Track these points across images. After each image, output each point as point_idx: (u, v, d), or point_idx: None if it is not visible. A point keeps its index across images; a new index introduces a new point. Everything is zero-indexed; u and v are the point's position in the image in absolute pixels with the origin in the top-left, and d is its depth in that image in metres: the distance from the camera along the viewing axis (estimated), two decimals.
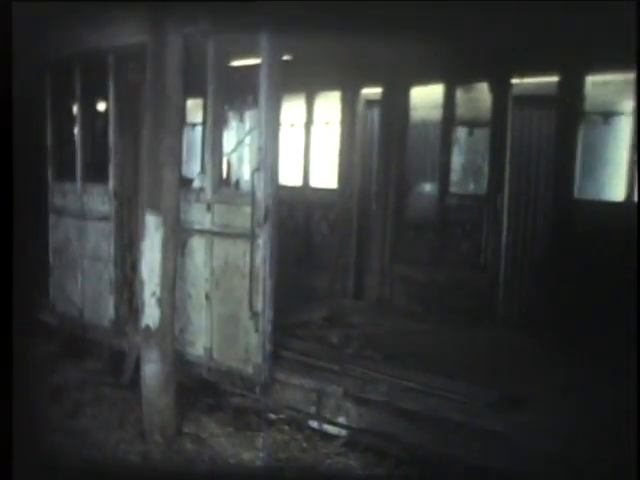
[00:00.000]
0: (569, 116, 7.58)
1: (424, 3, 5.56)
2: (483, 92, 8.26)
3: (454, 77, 8.43)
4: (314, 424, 5.95)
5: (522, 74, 7.85)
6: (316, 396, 5.98)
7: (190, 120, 10.94)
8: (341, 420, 5.79)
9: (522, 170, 8.11)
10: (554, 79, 7.63)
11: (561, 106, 7.67)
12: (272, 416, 6.20)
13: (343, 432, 5.75)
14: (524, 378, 6.03)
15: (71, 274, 8.56)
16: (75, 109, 8.81)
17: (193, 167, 10.45)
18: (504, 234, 8.14)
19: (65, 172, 9.27)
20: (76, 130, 8.63)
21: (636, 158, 7.08)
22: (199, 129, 11.11)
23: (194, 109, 10.72)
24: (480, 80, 8.29)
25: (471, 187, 8.81)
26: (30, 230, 9.41)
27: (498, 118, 8.14)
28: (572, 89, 7.49)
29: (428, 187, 9.05)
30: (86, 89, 8.33)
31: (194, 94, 8.04)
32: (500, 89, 8.07)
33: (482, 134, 8.45)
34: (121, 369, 7.48)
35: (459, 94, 8.53)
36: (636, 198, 7.16)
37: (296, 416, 6.09)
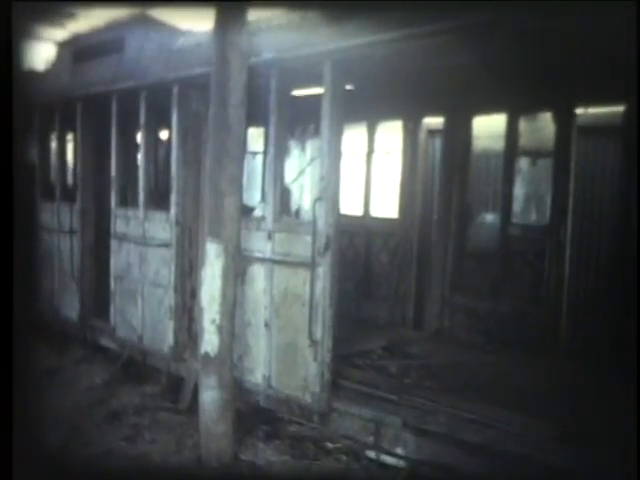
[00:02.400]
0: (635, 146, 7.56)
1: (488, 32, 5.65)
2: (546, 122, 8.28)
3: (517, 107, 8.44)
4: (372, 454, 5.99)
5: (587, 104, 7.87)
6: (374, 426, 6.02)
7: (251, 149, 11.14)
8: (399, 451, 5.82)
9: (586, 201, 8.09)
10: (619, 109, 7.63)
11: (627, 136, 7.65)
12: (329, 445, 6.27)
13: (401, 463, 5.79)
14: (586, 411, 6.00)
15: (132, 300, 8.77)
16: (139, 138, 9.11)
17: (253, 195, 10.70)
18: (567, 265, 8.12)
19: (128, 199, 9.61)
20: (139, 158, 8.91)
21: None
22: (260, 158, 11.33)
23: (255, 138, 10.93)
24: (544, 110, 8.32)
25: (533, 217, 8.82)
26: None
27: (562, 148, 8.10)
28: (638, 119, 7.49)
29: (490, 217, 9.06)
30: (150, 118, 8.57)
31: (255, 123, 8.24)
32: (564, 119, 8.07)
33: (545, 164, 8.46)
34: (179, 395, 7.63)
35: (522, 124, 8.53)
36: None
37: (353, 446, 6.14)
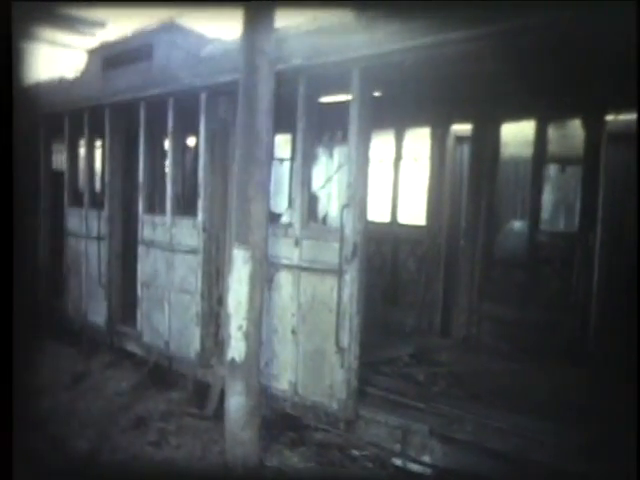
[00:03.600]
0: None
1: (517, 38, 5.66)
2: (576, 129, 8.26)
3: (546, 113, 8.43)
4: (398, 462, 6.02)
5: (617, 110, 7.85)
6: (401, 434, 6.05)
7: (278, 155, 11.19)
8: (426, 459, 5.85)
9: (615, 208, 8.07)
10: None
11: None
12: (355, 452, 6.30)
13: (428, 471, 5.81)
14: (614, 420, 5.97)
15: (158, 306, 8.85)
16: (167, 144, 9.20)
17: (280, 202, 10.76)
18: (596, 272, 8.08)
19: (155, 205, 9.70)
20: (167, 165, 8.99)
21: None
22: (287, 164, 11.40)
23: (282, 144, 11.00)
24: (573, 116, 8.31)
25: (562, 224, 8.80)
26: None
27: (591, 155, 8.09)
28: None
29: (518, 224, 9.05)
30: (178, 125, 8.66)
31: (282, 129, 8.30)
32: (594, 126, 8.05)
33: (574, 171, 8.45)
34: (205, 401, 7.68)
35: (551, 130, 8.52)
36: None
37: (380, 453, 6.17)
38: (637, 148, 7.02)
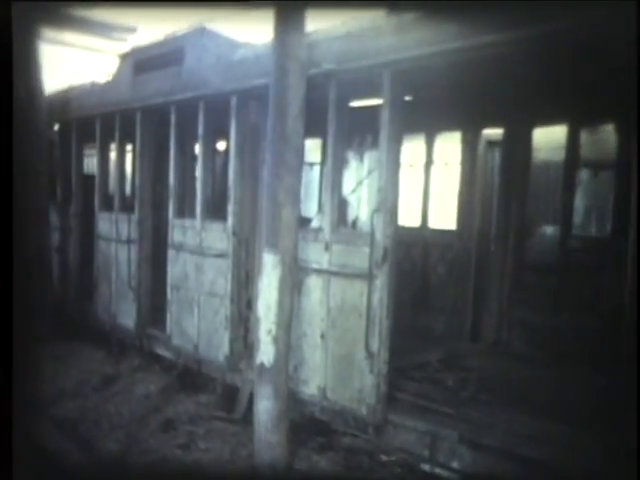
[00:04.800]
0: None
1: (549, 42, 5.65)
2: (609, 133, 8.21)
3: (578, 118, 8.39)
4: (426, 467, 6.02)
5: None
6: (430, 439, 6.04)
7: (308, 159, 11.23)
8: (454, 465, 5.84)
9: None
10: None
11: None
12: (384, 458, 6.30)
13: (456, 477, 5.81)
14: None
15: (188, 309, 8.93)
16: (197, 148, 9.28)
17: (310, 206, 10.80)
18: (628, 278, 8.01)
19: (185, 209, 9.78)
20: (197, 169, 9.07)
21: None
22: (317, 168, 11.44)
23: (312, 149, 11.03)
24: (606, 121, 8.26)
25: (594, 230, 8.75)
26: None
27: (624, 160, 8.03)
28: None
29: (549, 229, 9.00)
30: (208, 129, 8.73)
31: (312, 134, 8.34)
32: (626, 130, 8.00)
33: (607, 176, 8.40)
34: (234, 404, 7.74)
35: (583, 135, 8.47)
36: None
37: (408, 459, 6.17)
38: (637, 152, 6.99)
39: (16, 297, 4.66)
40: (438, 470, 5.96)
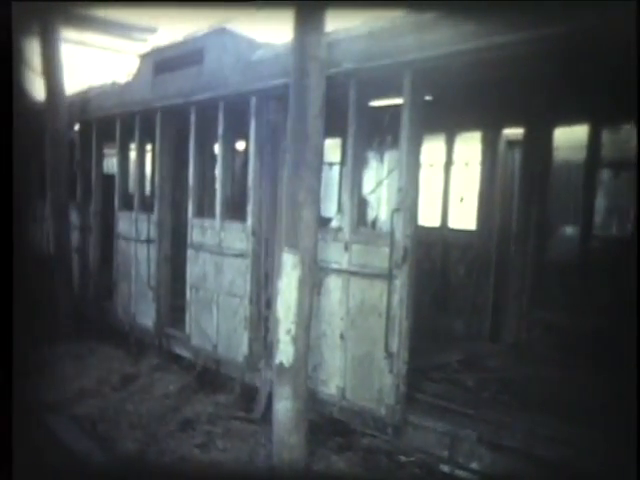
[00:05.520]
0: None
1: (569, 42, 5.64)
2: (630, 133, 8.16)
3: (600, 118, 8.36)
4: (446, 468, 6.02)
5: None
6: (449, 440, 6.05)
7: (328, 159, 11.24)
8: (474, 466, 5.84)
9: None
10: None
11: None
12: (403, 458, 6.31)
13: (475, 478, 5.81)
14: None
15: (207, 309, 8.97)
16: (216, 148, 9.31)
17: (330, 206, 10.81)
18: None
19: (205, 209, 9.82)
20: (217, 169, 9.10)
21: None
22: (336, 168, 11.45)
23: (331, 148, 11.04)
24: (628, 121, 8.21)
25: (615, 230, 8.69)
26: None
27: None
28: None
29: (570, 229, 8.96)
30: (228, 129, 8.75)
31: (332, 133, 8.36)
32: None
33: (628, 176, 8.34)
34: (253, 404, 7.78)
35: (605, 135, 8.44)
36: None
37: (427, 459, 6.17)
38: (637, 150, 6.94)
39: (16, 297, 4.70)
40: (457, 471, 5.96)
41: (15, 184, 4.76)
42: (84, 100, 12.01)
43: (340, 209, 7.96)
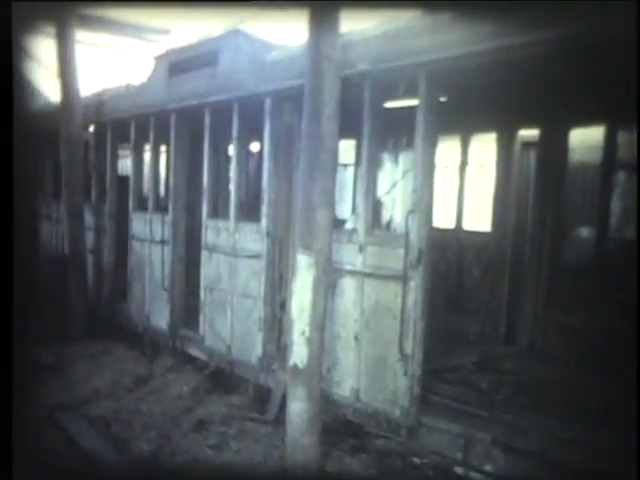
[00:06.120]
0: None
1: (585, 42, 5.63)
2: None
3: (616, 119, 8.32)
4: (460, 470, 6.02)
5: None
6: (463, 442, 6.04)
7: (342, 161, 11.24)
8: (488, 468, 5.83)
9: None
10: None
11: None
12: (417, 460, 6.31)
13: None
14: None
15: (221, 310, 8.99)
16: (231, 150, 9.33)
17: (344, 208, 10.82)
18: None
19: (219, 210, 9.84)
20: (231, 170, 9.13)
21: None
22: (351, 170, 11.46)
23: (346, 150, 11.04)
24: None
25: (631, 232, 8.64)
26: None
27: None
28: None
29: (585, 231, 8.92)
30: (242, 130, 8.79)
31: (347, 135, 8.36)
32: None
33: None
34: (266, 405, 7.80)
35: (621, 136, 8.40)
36: None
37: (441, 462, 6.17)
38: (637, 151, 6.90)
39: (16, 297, 4.72)
40: (471, 473, 5.96)
41: (15, 184, 4.79)
42: (99, 102, 12.07)
43: (354, 210, 7.98)
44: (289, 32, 8.15)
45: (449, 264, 10.34)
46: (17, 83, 5.03)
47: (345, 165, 11.61)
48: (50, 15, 11.30)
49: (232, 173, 8.96)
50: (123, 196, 11.52)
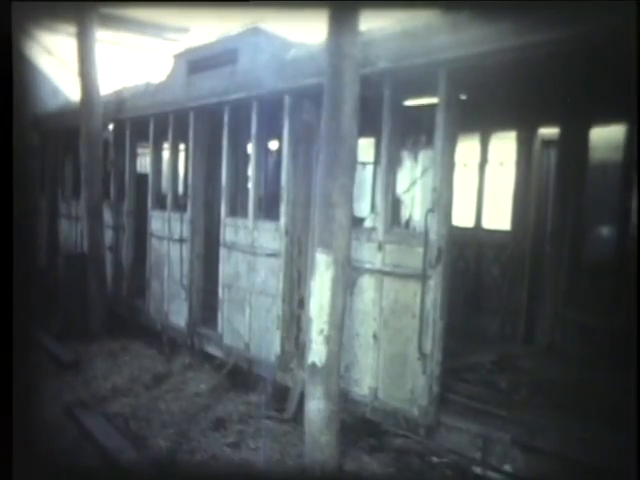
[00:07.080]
0: None
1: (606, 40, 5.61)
2: None
3: (637, 117, 8.26)
4: (478, 470, 6.01)
5: None
6: (482, 442, 6.03)
7: (361, 159, 11.24)
8: (507, 468, 5.82)
9: None
10: None
11: None
12: (435, 459, 6.31)
13: None
14: None
15: (239, 308, 9.02)
16: (250, 148, 9.36)
17: (363, 206, 10.80)
18: None
19: (238, 208, 9.86)
20: (250, 168, 9.15)
21: None
22: (370, 168, 11.45)
23: (365, 148, 11.04)
24: None
25: None
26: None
27: None
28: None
29: (605, 230, 8.88)
30: (261, 129, 8.80)
31: (366, 133, 8.37)
32: None
33: None
34: (284, 404, 7.81)
35: None
36: None
37: (460, 461, 6.17)
38: (637, 151, 6.85)
39: (16, 297, 4.75)
40: (490, 473, 5.95)
41: (16, 184, 4.82)
42: (118, 100, 12.13)
43: (374, 209, 7.98)
44: (309, 30, 8.15)
45: (468, 263, 10.30)
46: (17, 83, 5.07)
47: (364, 163, 11.60)
48: (71, 14, 11.38)
49: (251, 171, 9.00)
50: (142, 194, 11.57)
